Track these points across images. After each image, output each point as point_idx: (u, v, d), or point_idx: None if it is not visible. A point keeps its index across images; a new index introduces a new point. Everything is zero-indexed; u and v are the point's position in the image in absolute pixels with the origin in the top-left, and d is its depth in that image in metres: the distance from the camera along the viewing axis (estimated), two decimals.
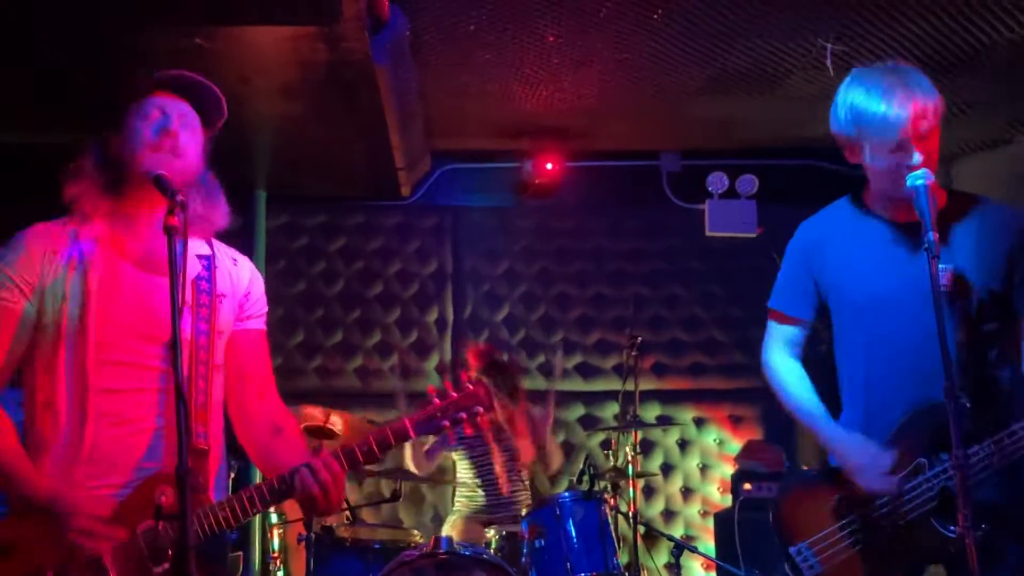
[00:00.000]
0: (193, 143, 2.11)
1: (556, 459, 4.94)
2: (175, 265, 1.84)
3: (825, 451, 2.48)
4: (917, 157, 2.19)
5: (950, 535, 2.14)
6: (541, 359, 5.82)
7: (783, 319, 2.53)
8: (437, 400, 2.08)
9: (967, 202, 2.34)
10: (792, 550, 2.31)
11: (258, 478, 4.89)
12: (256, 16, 3.22)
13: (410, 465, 4.59)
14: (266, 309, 2.33)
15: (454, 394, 2.08)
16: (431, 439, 4.66)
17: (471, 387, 2.09)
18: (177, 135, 2.07)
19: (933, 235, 2.04)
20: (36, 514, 1.94)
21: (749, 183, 5.67)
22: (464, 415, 2.07)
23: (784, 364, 2.51)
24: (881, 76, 2.25)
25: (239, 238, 2.32)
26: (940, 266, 2.08)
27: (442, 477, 4.90)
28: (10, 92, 4.01)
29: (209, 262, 2.19)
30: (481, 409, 2.08)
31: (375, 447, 2.04)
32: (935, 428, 2.16)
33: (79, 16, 3.22)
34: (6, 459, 1.99)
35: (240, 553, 4.81)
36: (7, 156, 4.70)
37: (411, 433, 2.05)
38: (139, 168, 2.05)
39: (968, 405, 2.12)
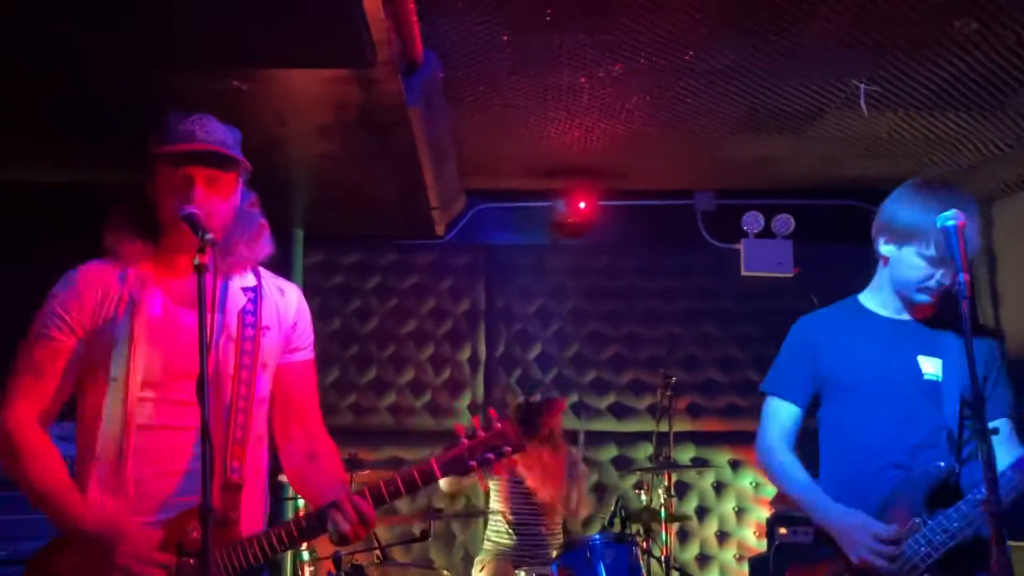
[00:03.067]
0: (220, 199, 2.12)
1: (583, 508, 4.87)
2: (203, 302, 1.87)
3: None
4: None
5: None
6: (575, 398, 5.78)
7: (780, 400, 2.65)
8: (465, 440, 2.06)
9: (953, 316, 2.43)
10: None
11: (290, 513, 4.90)
12: (291, 59, 3.28)
13: (444, 487, 4.63)
14: (313, 339, 2.35)
15: (482, 433, 2.06)
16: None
17: (499, 426, 2.06)
18: (204, 202, 2.07)
19: (964, 276, 2.07)
20: (82, 543, 1.97)
21: (785, 223, 5.64)
22: (491, 455, 2.05)
23: (780, 452, 2.60)
24: (947, 190, 2.41)
25: (268, 258, 2.35)
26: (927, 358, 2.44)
27: (474, 513, 4.88)
28: (54, 132, 4.12)
29: (255, 294, 2.21)
30: (509, 449, 2.05)
31: (401, 486, 2.05)
32: (926, 490, 2.33)
33: (121, 58, 3.30)
34: (56, 491, 2.03)
35: None
36: (53, 195, 4.83)
37: (437, 474, 2.04)
38: (171, 225, 2.09)
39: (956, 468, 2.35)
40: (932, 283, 2.42)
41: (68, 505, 2.01)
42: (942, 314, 2.52)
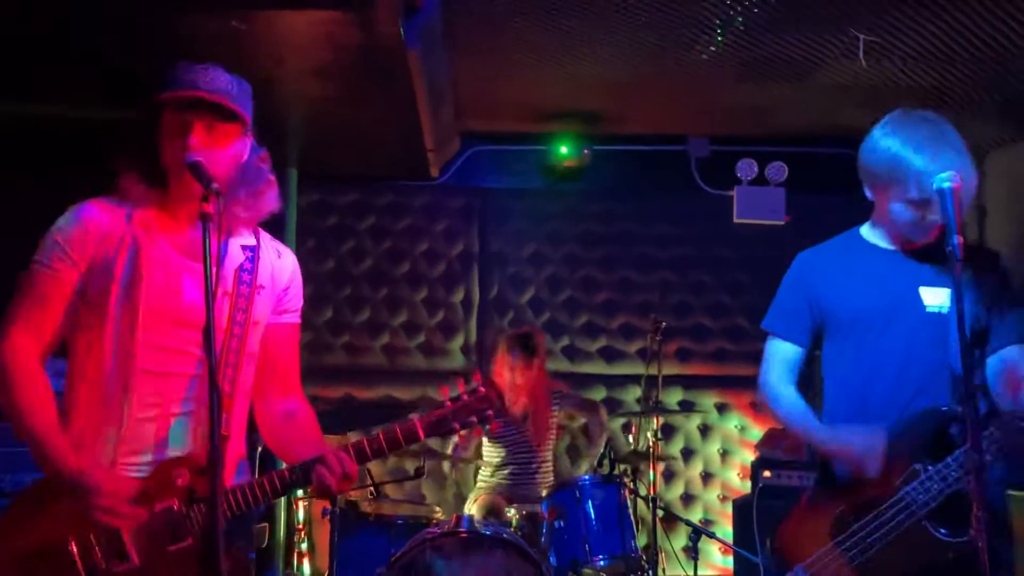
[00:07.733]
0: (219, 149, 2.11)
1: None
2: (208, 251, 1.89)
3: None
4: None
5: (941, 537, 2.18)
6: (566, 341, 5.86)
7: (781, 339, 2.60)
8: (448, 403, 2.14)
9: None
10: None
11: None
12: (292, 0, 3.26)
13: (449, 452, 4.72)
14: (301, 304, 2.39)
15: (465, 397, 2.14)
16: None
17: (482, 389, 2.15)
18: (202, 149, 2.07)
19: (958, 239, 2.05)
20: (64, 489, 2.01)
21: (779, 170, 5.65)
22: (474, 418, 2.13)
23: (783, 389, 2.55)
24: (919, 126, 2.32)
25: (271, 215, 2.37)
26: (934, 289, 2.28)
27: (472, 458, 4.98)
28: (47, 70, 4.08)
29: (253, 253, 2.24)
30: (491, 413, 2.14)
31: (384, 445, 2.12)
32: (926, 434, 2.26)
33: None
34: (42, 430, 2.05)
35: (266, 525, 4.93)
36: (45, 128, 4.81)
37: (420, 434, 2.12)
38: (175, 173, 2.11)
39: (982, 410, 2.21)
40: (925, 223, 2.34)
41: (52, 447, 2.03)
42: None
